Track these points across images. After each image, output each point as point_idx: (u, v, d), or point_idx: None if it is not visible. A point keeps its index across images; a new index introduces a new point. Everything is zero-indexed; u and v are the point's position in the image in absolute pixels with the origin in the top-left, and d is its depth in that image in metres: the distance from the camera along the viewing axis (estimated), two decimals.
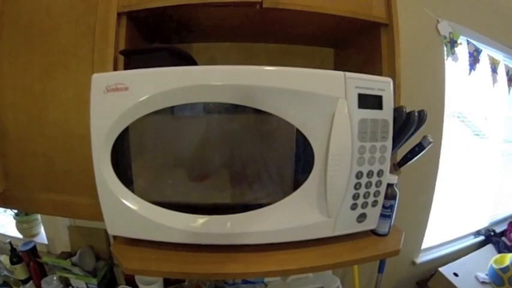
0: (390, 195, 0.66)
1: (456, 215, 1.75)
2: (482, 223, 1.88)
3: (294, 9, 0.66)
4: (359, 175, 0.58)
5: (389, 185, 0.65)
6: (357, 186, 0.59)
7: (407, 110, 0.60)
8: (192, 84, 0.53)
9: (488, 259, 1.51)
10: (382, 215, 0.66)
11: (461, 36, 1.30)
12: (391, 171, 0.67)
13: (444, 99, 1.36)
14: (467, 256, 1.63)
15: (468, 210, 1.83)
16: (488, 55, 1.40)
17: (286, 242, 0.61)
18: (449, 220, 1.72)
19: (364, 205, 0.62)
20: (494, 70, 1.44)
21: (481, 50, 1.36)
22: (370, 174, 0.59)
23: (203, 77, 0.53)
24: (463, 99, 1.58)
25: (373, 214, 0.64)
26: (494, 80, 1.44)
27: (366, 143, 0.57)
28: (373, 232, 0.69)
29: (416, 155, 0.66)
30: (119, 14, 0.66)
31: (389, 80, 0.60)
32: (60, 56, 0.68)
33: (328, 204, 0.58)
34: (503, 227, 1.87)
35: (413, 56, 1.20)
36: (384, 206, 0.65)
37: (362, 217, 0.63)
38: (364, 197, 0.61)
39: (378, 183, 0.61)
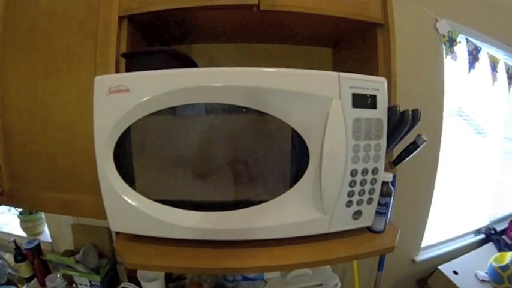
0: (385, 193, 0.67)
1: (456, 213, 1.76)
2: (483, 221, 1.88)
3: (291, 10, 0.68)
4: (354, 173, 0.60)
5: (385, 183, 0.66)
6: (352, 183, 0.60)
7: (404, 109, 0.61)
8: (192, 86, 0.54)
9: (488, 257, 1.51)
10: (378, 212, 0.67)
11: (460, 35, 1.31)
12: (386, 169, 0.68)
13: (443, 97, 1.37)
14: (467, 254, 1.64)
15: (468, 208, 1.83)
16: (487, 53, 1.40)
17: (283, 238, 0.63)
18: (450, 218, 1.72)
19: (359, 202, 0.63)
20: (494, 68, 1.44)
21: (481, 49, 1.36)
22: (364, 172, 0.60)
23: (202, 78, 0.55)
24: (464, 97, 1.58)
25: (369, 211, 0.65)
26: (494, 79, 1.44)
27: (360, 141, 0.58)
28: (368, 229, 0.70)
29: (411, 153, 0.67)
30: (120, 18, 0.67)
31: (383, 79, 0.61)
32: (63, 59, 0.69)
33: (323, 201, 0.59)
34: (503, 225, 1.86)
35: (412, 55, 1.22)
36: (379, 204, 0.66)
37: (357, 214, 0.64)
38: (359, 194, 0.62)
39: (373, 181, 0.62)
